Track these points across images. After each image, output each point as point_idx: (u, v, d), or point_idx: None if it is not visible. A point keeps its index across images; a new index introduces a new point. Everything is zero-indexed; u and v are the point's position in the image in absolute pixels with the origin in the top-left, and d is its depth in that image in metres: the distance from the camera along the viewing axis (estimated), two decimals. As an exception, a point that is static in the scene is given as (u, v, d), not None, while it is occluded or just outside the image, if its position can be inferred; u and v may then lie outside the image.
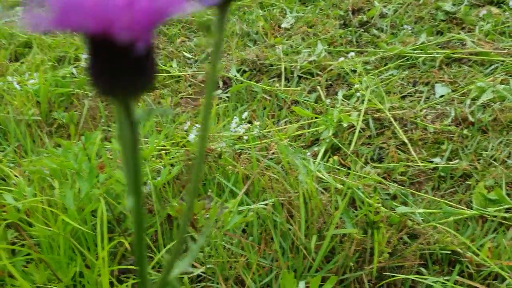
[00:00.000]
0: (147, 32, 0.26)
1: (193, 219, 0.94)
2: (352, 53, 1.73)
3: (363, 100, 1.48)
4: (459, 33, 1.81)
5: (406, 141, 1.31)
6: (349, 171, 1.17)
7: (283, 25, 2.14)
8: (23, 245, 1.04)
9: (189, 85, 1.82)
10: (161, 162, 1.30)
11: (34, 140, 1.52)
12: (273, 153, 1.30)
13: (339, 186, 1.11)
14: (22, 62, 2.03)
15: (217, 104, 1.63)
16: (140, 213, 0.34)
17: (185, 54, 2.04)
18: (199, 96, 1.76)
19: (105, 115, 1.65)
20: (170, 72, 1.89)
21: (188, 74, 1.87)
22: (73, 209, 0.99)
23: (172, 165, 1.28)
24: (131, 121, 0.30)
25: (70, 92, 1.77)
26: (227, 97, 1.70)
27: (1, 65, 1.99)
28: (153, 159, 1.32)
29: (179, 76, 1.87)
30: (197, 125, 1.42)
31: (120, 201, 1.11)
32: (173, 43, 2.16)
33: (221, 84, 1.80)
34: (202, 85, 1.82)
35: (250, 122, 1.49)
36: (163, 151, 1.34)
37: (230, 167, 1.22)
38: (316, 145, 1.36)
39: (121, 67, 0.28)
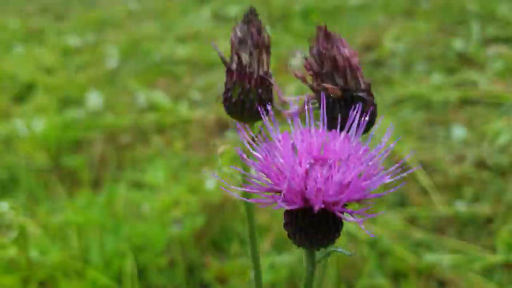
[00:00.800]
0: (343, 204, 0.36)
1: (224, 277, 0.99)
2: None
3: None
4: (469, 70, 1.91)
5: (427, 186, 1.38)
6: (374, 217, 1.23)
7: (292, 63, 2.24)
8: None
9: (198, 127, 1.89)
10: (176, 209, 1.35)
11: (45, 184, 1.57)
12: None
13: (365, 233, 1.16)
14: (27, 103, 2.09)
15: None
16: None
17: (194, 93, 2.12)
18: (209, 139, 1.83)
19: (116, 160, 1.70)
20: (178, 112, 1.96)
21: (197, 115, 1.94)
22: (100, 263, 1.03)
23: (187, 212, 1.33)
24: (312, 261, 0.40)
25: (78, 136, 1.83)
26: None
27: (7, 105, 2.06)
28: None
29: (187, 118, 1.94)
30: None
31: (144, 253, 1.15)
32: (180, 82, 2.25)
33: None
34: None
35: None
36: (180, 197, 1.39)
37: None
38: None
39: (319, 228, 0.37)
